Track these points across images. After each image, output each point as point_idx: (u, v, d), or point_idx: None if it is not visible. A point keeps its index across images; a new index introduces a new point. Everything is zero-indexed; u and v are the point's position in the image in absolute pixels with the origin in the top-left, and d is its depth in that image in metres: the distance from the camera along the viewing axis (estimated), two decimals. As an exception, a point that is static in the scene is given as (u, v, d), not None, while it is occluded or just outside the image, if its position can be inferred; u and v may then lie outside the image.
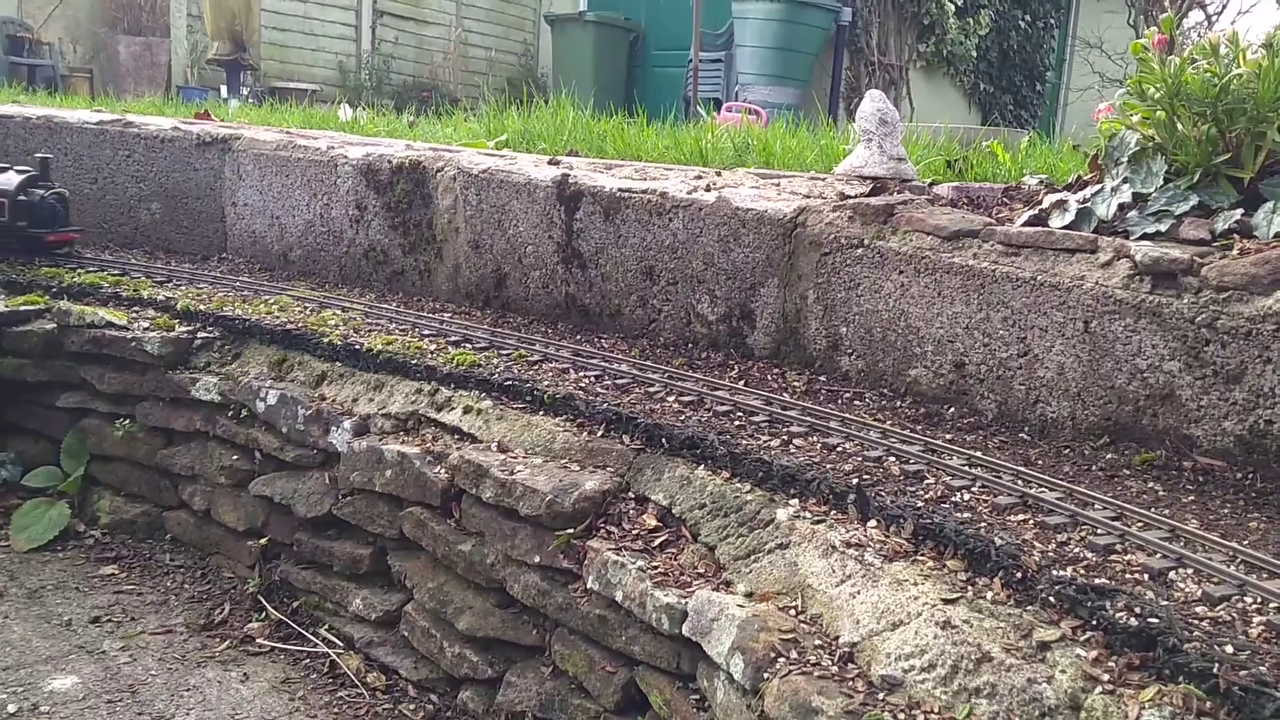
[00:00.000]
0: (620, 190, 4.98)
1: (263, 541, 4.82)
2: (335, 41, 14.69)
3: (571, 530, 3.47)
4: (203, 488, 5.17)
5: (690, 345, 4.80)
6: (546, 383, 4.18)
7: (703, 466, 3.48)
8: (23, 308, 5.67)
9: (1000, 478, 3.13)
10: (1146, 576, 2.50)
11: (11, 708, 3.93)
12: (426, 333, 5.01)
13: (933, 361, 3.98)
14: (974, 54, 14.54)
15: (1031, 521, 2.83)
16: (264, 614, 4.69)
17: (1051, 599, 2.47)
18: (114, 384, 5.42)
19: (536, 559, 3.56)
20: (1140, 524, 2.79)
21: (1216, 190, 3.53)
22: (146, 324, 5.43)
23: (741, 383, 4.21)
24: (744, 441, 3.49)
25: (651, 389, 4.11)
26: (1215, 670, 2.10)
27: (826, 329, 4.31)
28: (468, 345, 4.78)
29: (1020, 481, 3.10)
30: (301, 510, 4.56)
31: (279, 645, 4.50)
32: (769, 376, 4.34)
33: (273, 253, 6.67)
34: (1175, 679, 2.15)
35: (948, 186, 4.49)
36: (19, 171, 6.01)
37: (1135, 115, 3.83)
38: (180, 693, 4.12)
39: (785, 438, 3.54)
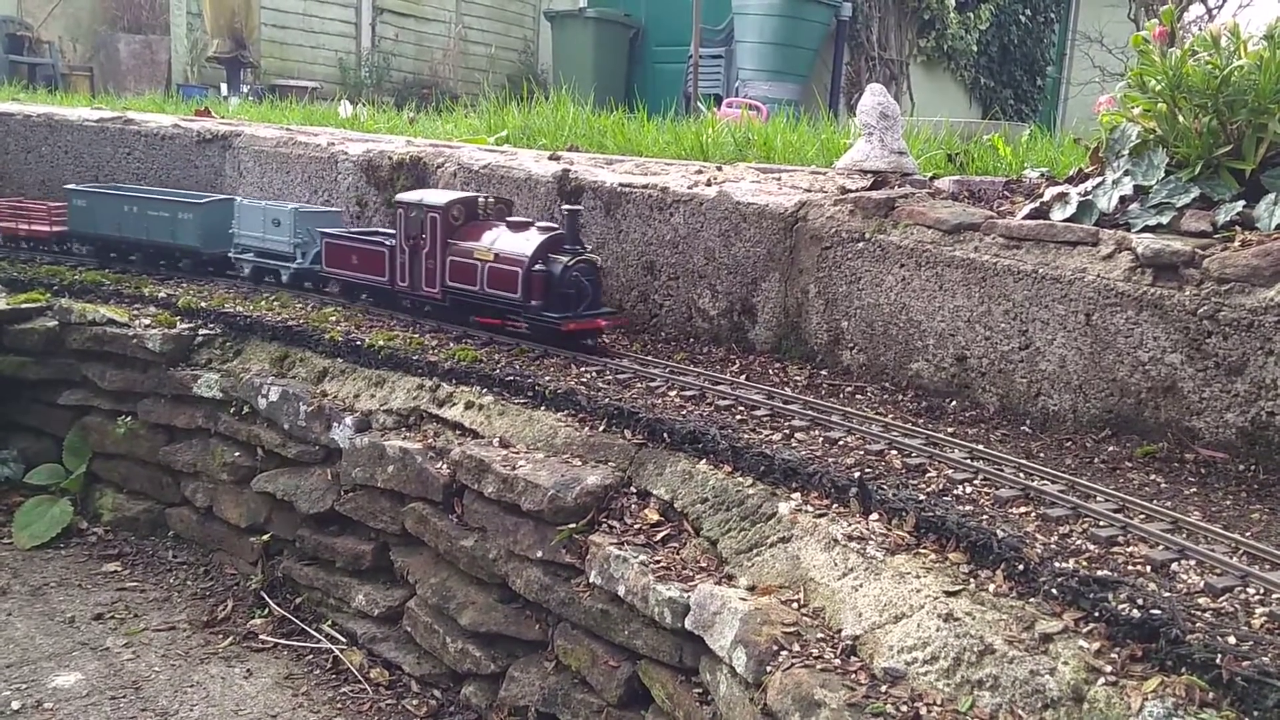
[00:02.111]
0: (621, 185, 4.98)
1: (265, 538, 4.82)
2: (335, 39, 14.68)
3: (573, 525, 3.47)
4: (205, 484, 5.18)
5: (691, 340, 4.80)
6: (548, 378, 4.18)
7: (704, 461, 3.48)
8: (24, 305, 5.68)
9: (1002, 470, 3.13)
10: (1149, 568, 2.50)
11: (15, 704, 3.93)
12: (427, 329, 5.01)
13: (934, 355, 3.98)
14: (974, 49, 14.51)
15: (1034, 514, 2.83)
16: (267, 610, 4.70)
17: (1054, 591, 2.46)
18: (115, 381, 5.43)
19: (539, 554, 3.56)
20: (1142, 516, 2.78)
21: (1218, 182, 3.52)
22: (148, 321, 5.43)
23: (743, 377, 4.21)
24: (746, 435, 3.49)
25: (653, 383, 4.10)
26: (1218, 661, 2.10)
27: (828, 323, 4.31)
28: (468, 341, 4.77)
29: (1022, 474, 3.10)
30: (304, 506, 4.57)
31: (282, 641, 4.50)
32: (770, 371, 4.33)
33: None
34: (1178, 670, 2.15)
35: (949, 180, 4.49)
36: (542, 229, 4.49)
37: (1136, 108, 3.82)
38: (184, 689, 4.13)
39: (787, 431, 3.54)
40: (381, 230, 5.47)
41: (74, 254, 6.50)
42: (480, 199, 4.79)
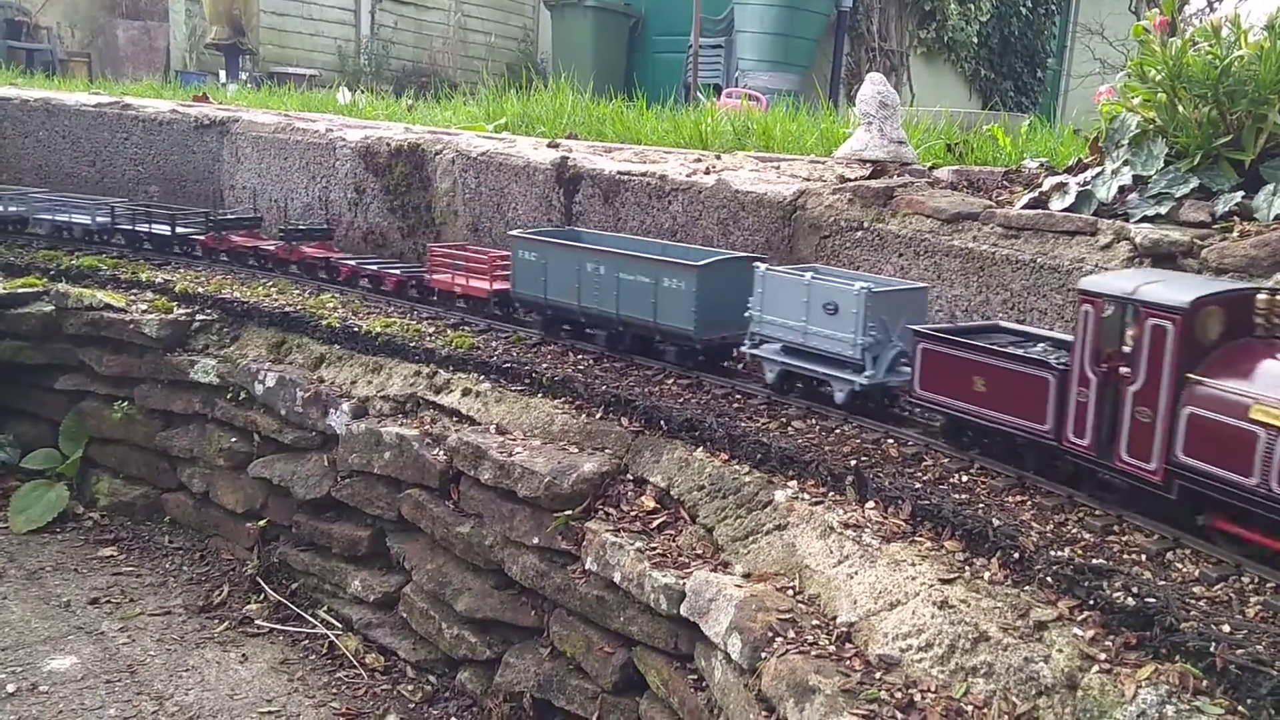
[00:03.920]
0: (620, 173, 4.97)
1: (261, 523, 4.83)
2: (334, 26, 14.62)
3: (570, 512, 3.47)
4: (201, 470, 5.18)
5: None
6: (545, 365, 4.18)
7: (701, 448, 3.48)
8: (21, 290, 5.66)
9: (531, 327, 3.08)
10: (1144, 556, 2.50)
11: (10, 687, 3.94)
12: (424, 315, 5.00)
13: (932, 345, 3.95)
14: (975, 40, 14.49)
15: (1029, 502, 2.83)
16: (263, 595, 4.70)
17: (1049, 579, 2.47)
18: (112, 366, 5.43)
19: (535, 540, 3.57)
20: (1138, 505, 2.78)
21: (1217, 173, 3.52)
22: (145, 306, 5.43)
23: (740, 365, 4.20)
24: (743, 423, 3.49)
25: (650, 371, 4.10)
26: (1212, 649, 2.10)
27: (826, 312, 4.29)
28: (466, 328, 4.77)
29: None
30: (300, 492, 4.56)
31: (278, 626, 4.50)
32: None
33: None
34: (1172, 658, 2.16)
35: (948, 170, 4.48)
36: None
37: (1136, 98, 3.81)
38: (179, 673, 4.13)
39: (784, 420, 3.54)
40: (1008, 327, 3.37)
41: (518, 321, 4.74)
42: (1261, 295, 2.69)
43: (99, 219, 6.40)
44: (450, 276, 4.93)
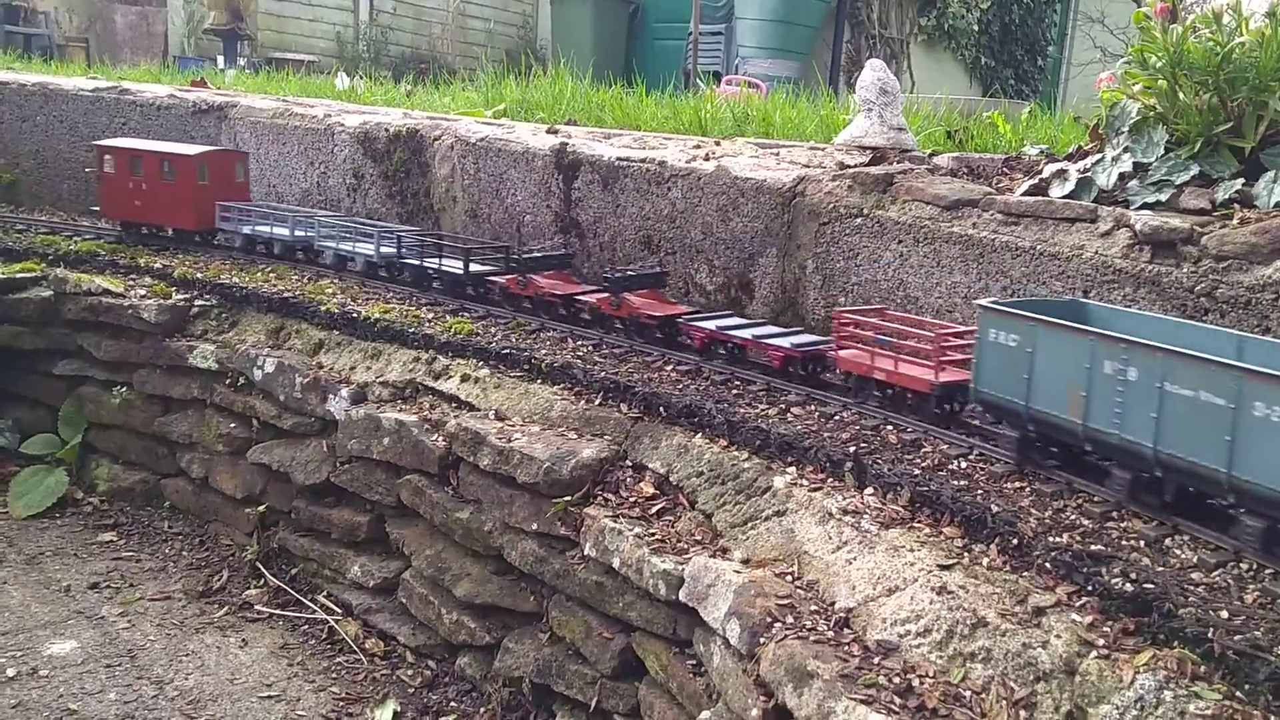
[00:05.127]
0: (619, 159, 4.96)
1: (261, 509, 4.83)
2: (332, 12, 14.57)
3: (569, 497, 3.47)
4: (201, 455, 5.18)
5: (689, 315, 4.77)
6: (544, 351, 4.18)
7: (700, 434, 3.48)
8: (19, 275, 5.65)
9: (997, 445, 3.13)
10: (1142, 543, 2.51)
11: (10, 671, 3.94)
12: (423, 301, 5.00)
13: (931, 332, 3.95)
14: (975, 28, 14.47)
15: (1028, 489, 2.83)
16: (262, 581, 4.70)
17: (1048, 565, 2.47)
18: (111, 351, 5.42)
19: (534, 526, 3.57)
20: (1137, 492, 2.79)
21: (1217, 160, 3.51)
22: (143, 291, 5.42)
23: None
24: (742, 409, 3.49)
25: (649, 357, 4.10)
26: (1210, 635, 2.11)
27: (825, 299, 4.30)
28: (464, 314, 4.76)
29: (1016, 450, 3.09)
30: (299, 478, 4.57)
31: (277, 612, 4.51)
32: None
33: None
34: (1170, 643, 2.16)
35: (948, 156, 4.47)
36: None
37: (1137, 84, 3.80)
38: (179, 658, 4.14)
39: (783, 406, 3.54)
40: None
41: (971, 428, 3.29)
42: None
43: (384, 250, 5.33)
44: (869, 357, 3.47)
